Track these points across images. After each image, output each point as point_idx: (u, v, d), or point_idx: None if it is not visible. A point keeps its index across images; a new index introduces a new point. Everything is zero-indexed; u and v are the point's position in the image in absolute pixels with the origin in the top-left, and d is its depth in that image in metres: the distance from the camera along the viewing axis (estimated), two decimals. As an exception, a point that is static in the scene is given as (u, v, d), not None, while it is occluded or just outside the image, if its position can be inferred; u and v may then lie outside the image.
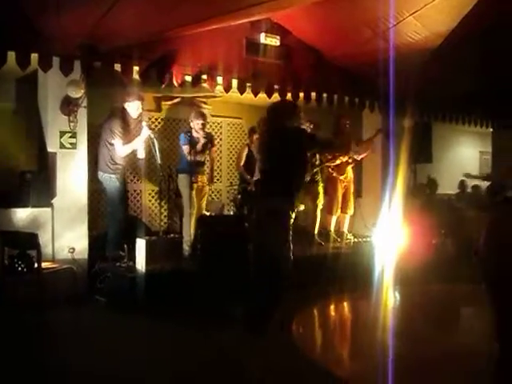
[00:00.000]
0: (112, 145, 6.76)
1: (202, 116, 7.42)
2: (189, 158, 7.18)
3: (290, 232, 5.24)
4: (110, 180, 6.86)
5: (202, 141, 7.35)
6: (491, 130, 11.43)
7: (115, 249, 6.83)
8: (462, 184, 11.36)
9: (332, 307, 6.87)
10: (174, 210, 8.12)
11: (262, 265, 5.19)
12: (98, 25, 5.43)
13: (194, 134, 7.30)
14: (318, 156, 8.20)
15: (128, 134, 6.83)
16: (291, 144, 5.22)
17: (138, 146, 6.89)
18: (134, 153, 6.98)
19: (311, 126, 7.30)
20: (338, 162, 8.38)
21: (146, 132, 6.84)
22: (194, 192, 7.26)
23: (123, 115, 6.88)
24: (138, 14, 5.33)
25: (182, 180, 7.28)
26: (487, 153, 13.27)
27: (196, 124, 7.28)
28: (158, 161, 6.91)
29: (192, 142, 7.20)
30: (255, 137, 8.34)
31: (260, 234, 5.31)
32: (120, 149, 6.76)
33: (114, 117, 6.85)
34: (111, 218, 7.03)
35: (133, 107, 6.87)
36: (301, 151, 5.36)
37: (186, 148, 7.24)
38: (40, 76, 6.50)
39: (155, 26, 5.78)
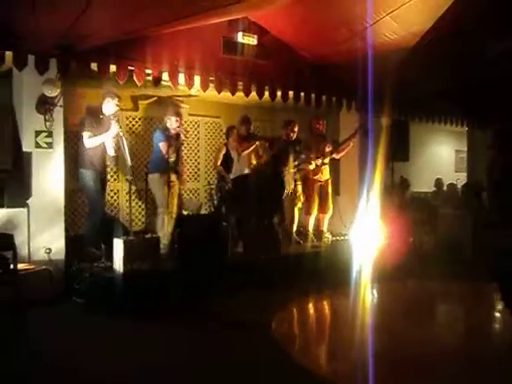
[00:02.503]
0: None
1: (178, 114, 7.46)
2: (166, 155, 7.20)
3: None
4: (84, 175, 6.83)
5: (177, 138, 7.38)
6: (466, 128, 11.57)
7: (90, 246, 6.80)
8: (438, 182, 11.49)
9: (311, 306, 6.88)
10: (152, 210, 8.08)
11: None
12: (74, 24, 5.37)
13: (171, 132, 7.34)
14: (293, 157, 8.26)
15: (98, 129, 6.81)
16: None
17: (106, 141, 6.89)
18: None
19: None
20: (312, 165, 8.42)
21: (114, 129, 6.81)
22: (168, 191, 7.25)
23: (97, 111, 6.91)
24: (115, 13, 5.28)
25: (154, 180, 7.25)
26: (463, 151, 13.43)
27: (173, 122, 7.31)
28: (128, 161, 6.88)
29: (169, 139, 7.22)
30: (233, 136, 8.33)
31: None
32: (86, 140, 6.73)
33: (87, 113, 6.91)
34: (87, 215, 7.03)
35: (107, 105, 6.92)
36: None
37: (162, 145, 7.24)
38: (15, 75, 6.40)
39: (131, 25, 5.74)
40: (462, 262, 8.20)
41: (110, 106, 6.92)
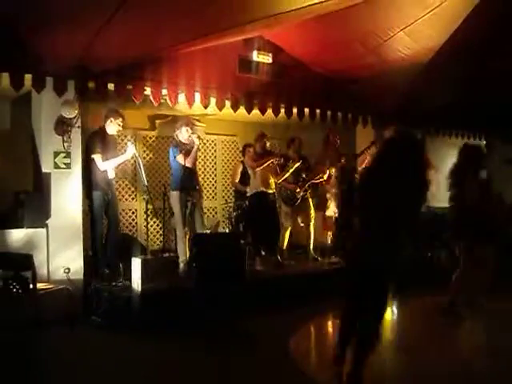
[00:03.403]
0: (92, 160, 6.73)
1: (188, 123, 7.43)
2: (185, 166, 7.15)
3: None
4: (92, 196, 6.82)
5: (194, 149, 7.31)
6: (484, 142, 11.48)
7: (102, 266, 6.82)
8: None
9: (331, 325, 6.81)
10: (170, 229, 8.11)
11: None
12: (90, 46, 5.45)
13: (185, 143, 7.29)
14: (304, 173, 8.29)
15: (107, 151, 6.83)
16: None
17: (120, 163, 6.92)
18: (121, 171, 7.06)
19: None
20: (324, 177, 8.42)
21: (131, 150, 6.85)
22: (188, 208, 7.22)
23: (102, 132, 6.91)
24: (131, 34, 5.35)
25: (174, 197, 7.24)
26: (481, 165, 13.29)
27: (184, 132, 7.29)
28: (144, 181, 6.91)
29: (184, 151, 7.19)
30: (248, 154, 8.32)
31: None
32: (100, 164, 6.73)
33: (93, 134, 6.87)
34: (93, 235, 6.94)
35: (111, 124, 6.90)
36: None
37: (180, 157, 7.18)
38: (34, 97, 6.51)
39: (147, 46, 5.81)
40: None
41: (112, 127, 6.91)
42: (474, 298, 6.41)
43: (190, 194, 7.31)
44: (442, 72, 7.11)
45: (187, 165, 7.20)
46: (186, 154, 7.20)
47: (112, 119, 6.88)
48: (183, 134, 7.30)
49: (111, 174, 6.94)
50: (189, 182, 7.29)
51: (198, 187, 7.57)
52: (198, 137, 7.40)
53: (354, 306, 4.36)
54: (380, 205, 4.10)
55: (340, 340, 4.44)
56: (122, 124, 6.99)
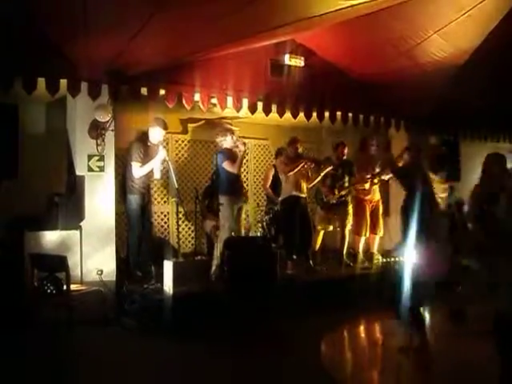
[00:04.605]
0: (131, 165, 6.82)
1: (230, 131, 7.42)
2: (234, 171, 7.14)
3: None
4: (129, 200, 6.91)
5: (241, 155, 7.28)
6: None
7: (134, 268, 6.90)
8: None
9: (363, 330, 6.75)
10: (201, 232, 8.13)
11: None
12: (124, 51, 5.53)
13: (231, 149, 7.25)
14: (347, 178, 8.20)
15: (147, 158, 6.87)
16: None
17: (154, 166, 6.92)
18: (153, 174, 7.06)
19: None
20: (366, 185, 8.33)
21: (162, 154, 6.85)
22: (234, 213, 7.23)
23: (145, 139, 6.95)
24: (164, 39, 5.41)
25: (224, 201, 7.12)
26: (517, 170, 13.04)
27: (230, 140, 7.24)
28: (175, 185, 6.93)
29: (232, 157, 7.16)
30: (280, 158, 8.28)
31: None
32: (136, 170, 6.79)
33: (136, 140, 6.95)
34: (128, 238, 7.07)
35: (155, 133, 6.92)
36: None
37: (227, 163, 7.10)
38: (69, 101, 6.61)
39: (180, 51, 5.86)
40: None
41: (157, 134, 6.92)
42: None
43: (238, 198, 7.32)
44: (477, 74, 7.00)
45: (235, 171, 7.20)
46: (232, 159, 7.19)
47: (157, 127, 6.89)
48: (228, 142, 7.25)
49: (158, 175, 6.99)
50: (236, 186, 7.30)
51: (244, 191, 7.59)
52: (244, 143, 7.38)
53: None
54: None
55: None
56: (163, 134, 7.00)
